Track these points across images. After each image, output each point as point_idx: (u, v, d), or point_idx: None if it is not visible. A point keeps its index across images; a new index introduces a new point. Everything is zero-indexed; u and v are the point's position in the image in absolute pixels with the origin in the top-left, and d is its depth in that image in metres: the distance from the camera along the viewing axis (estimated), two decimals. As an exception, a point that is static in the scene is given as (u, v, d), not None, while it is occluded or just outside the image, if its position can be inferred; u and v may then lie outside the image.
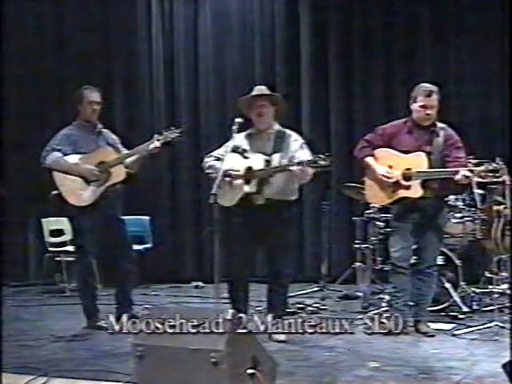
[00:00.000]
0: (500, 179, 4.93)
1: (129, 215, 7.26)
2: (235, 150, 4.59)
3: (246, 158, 4.59)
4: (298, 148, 4.63)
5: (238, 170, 4.56)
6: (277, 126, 4.73)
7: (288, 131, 4.75)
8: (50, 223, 7.16)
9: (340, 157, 6.72)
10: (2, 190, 7.15)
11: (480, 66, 7.02)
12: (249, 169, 4.56)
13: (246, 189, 4.54)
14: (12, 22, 7.51)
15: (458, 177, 4.35)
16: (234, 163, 4.54)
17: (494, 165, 4.27)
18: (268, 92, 4.70)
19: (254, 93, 4.68)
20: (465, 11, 7.08)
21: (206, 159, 4.78)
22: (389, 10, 7.28)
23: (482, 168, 4.30)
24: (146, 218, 7.39)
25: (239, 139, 4.68)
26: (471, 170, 4.32)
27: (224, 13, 7.69)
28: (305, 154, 4.57)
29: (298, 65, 7.48)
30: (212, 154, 4.78)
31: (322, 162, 4.29)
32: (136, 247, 6.94)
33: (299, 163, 4.34)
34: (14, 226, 7.45)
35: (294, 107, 7.50)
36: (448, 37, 7.17)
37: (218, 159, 4.64)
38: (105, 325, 4.92)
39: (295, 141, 4.69)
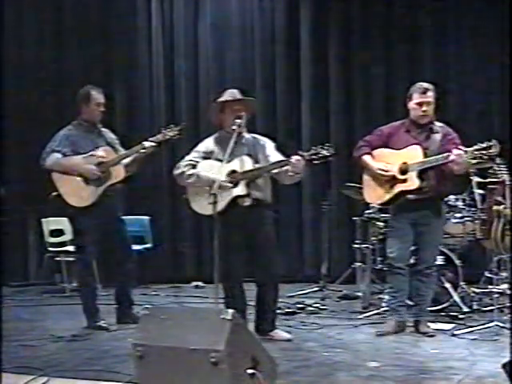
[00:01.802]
0: (500, 179, 4.95)
1: (129, 215, 7.26)
2: (209, 156, 4.59)
3: (227, 162, 4.44)
4: (271, 151, 4.66)
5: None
6: (247, 134, 4.71)
7: (257, 136, 4.75)
8: (49, 223, 7.16)
9: (340, 157, 6.70)
10: (2, 190, 7.15)
11: (480, 65, 7.04)
12: (233, 172, 4.52)
13: (236, 192, 4.50)
14: (12, 21, 7.51)
15: (451, 157, 4.33)
16: (214, 169, 4.45)
17: (487, 142, 4.24)
18: (244, 96, 4.67)
19: (230, 97, 4.63)
20: (465, 11, 7.09)
21: (183, 167, 4.65)
22: (389, 10, 7.29)
23: (474, 147, 4.27)
24: (146, 217, 7.40)
25: (210, 144, 4.69)
26: (465, 151, 4.29)
27: (224, 13, 7.70)
28: (279, 156, 4.59)
29: (298, 65, 7.49)
30: (186, 160, 4.69)
31: (325, 152, 4.29)
32: (136, 247, 6.94)
33: (300, 156, 4.30)
34: (14, 226, 7.45)
35: (294, 107, 7.54)
36: (448, 36, 7.18)
37: (194, 166, 4.61)
38: (104, 325, 4.94)
39: (267, 143, 4.72)
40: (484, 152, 4.22)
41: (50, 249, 7.08)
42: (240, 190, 4.50)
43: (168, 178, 7.60)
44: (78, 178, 4.94)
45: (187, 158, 4.72)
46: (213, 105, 4.76)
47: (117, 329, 4.94)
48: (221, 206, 4.44)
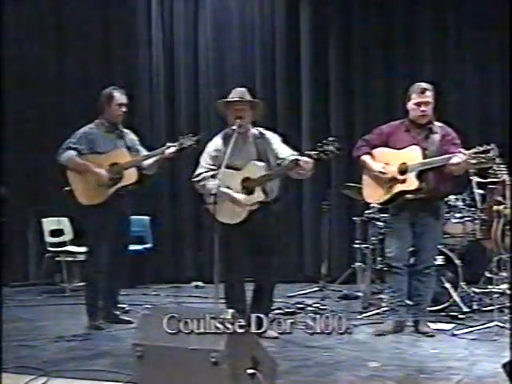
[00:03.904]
0: (500, 179, 4.96)
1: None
2: (220, 159, 4.56)
3: (237, 169, 4.54)
4: (279, 145, 4.67)
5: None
6: (253, 129, 4.72)
7: (263, 130, 4.75)
8: (49, 223, 7.16)
9: (340, 157, 6.70)
10: (1, 190, 7.15)
11: (480, 65, 7.04)
12: (246, 179, 4.54)
13: (253, 199, 4.51)
14: (12, 21, 7.51)
15: (451, 161, 4.35)
16: (228, 179, 4.47)
17: (485, 146, 4.26)
18: (248, 96, 4.66)
19: (233, 96, 4.64)
20: (465, 10, 7.08)
21: (203, 180, 4.63)
22: (389, 11, 7.29)
23: (473, 150, 4.30)
24: (146, 217, 7.39)
25: (218, 141, 4.69)
26: (464, 153, 4.32)
27: (224, 12, 7.69)
28: (287, 150, 4.61)
29: (298, 64, 7.49)
30: (203, 167, 4.67)
31: (331, 148, 4.29)
32: (136, 247, 6.96)
33: (308, 156, 4.32)
34: (14, 226, 7.45)
35: (294, 107, 7.54)
36: (448, 36, 7.18)
37: (213, 176, 4.55)
38: (101, 325, 4.94)
39: (274, 138, 4.72)
40: (482, 155, 4.26)
41: (50, 249, 7.07)
42: (258, 196, 4.52)
43: (168, 177, 7.63)
44: (91, 177, 4.97)
45: (202, 163, 4.70)
46: (218, 103, 4.76)
47: (117, 329, 4.94)
48: (243, 215, 4.52)
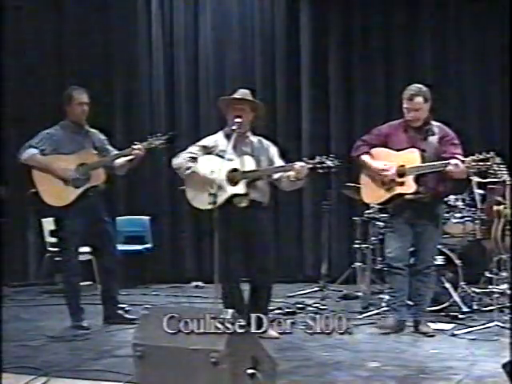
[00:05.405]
0: (500, 179, 4.96)
1: (129, 215, 7.27)
2: (211, 151, 4.62)
3: (229, 160, 4.52)
4: (275, 157, 4.72)
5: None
6: (253, 137, 4.74)
7: (263, 139, 4.79)
8: (49, 223, 7.13)
9: (340, 157, 6.69)
10: (1, 190, 7.14)
11: (480, 65, 7.04)
12: (234, 170, 4.55)
13: (235, 190, 4.52)
14: (12, 22, 7.51)
15: (449, 167, 4.36)
16: (213, 165, 4.49)
17: (484, 154, 4.27)
18: (250, 97, 4.68)
19: (236, 95, 4.66)
20: (465, 11, 7.09)
21: (182, 158, 4.67)
22: (389, 10, 7.29)
23: (471, 158, 4.31)
24: (146, 218, 7.40)
25: (217, 138, 4.71)
26: (462, 161, 4.34)
27: (224, 13, 7.69)
28: (281, 163, 4.66)
29: (298, 64, 7.49)
30: (187, 151, 4.70)
31: (329, 163, 4.37)
32: (136, 247, 6.97)
33: (305, 163, 4.38)
34: (14, 226, 7.45)
35: (293, 107, 7.54)
36: (448, 36, 7.18)
37: (194, 158, 4.62)
38: (86, 325, 4.93)
39: (272, 148, 4.77)
40: (481, 164, 4.27)
41: (50, 249, 7.07)
42: (239, 188, 4.52)
43: (168, 178, 7.63)
44: (57, 178, 4.94)
45: (189, 149, 4.73)
46: (219, 100, 4.78)
47: (117, 329, 4.94)
48: (217, 202, 4.47)
